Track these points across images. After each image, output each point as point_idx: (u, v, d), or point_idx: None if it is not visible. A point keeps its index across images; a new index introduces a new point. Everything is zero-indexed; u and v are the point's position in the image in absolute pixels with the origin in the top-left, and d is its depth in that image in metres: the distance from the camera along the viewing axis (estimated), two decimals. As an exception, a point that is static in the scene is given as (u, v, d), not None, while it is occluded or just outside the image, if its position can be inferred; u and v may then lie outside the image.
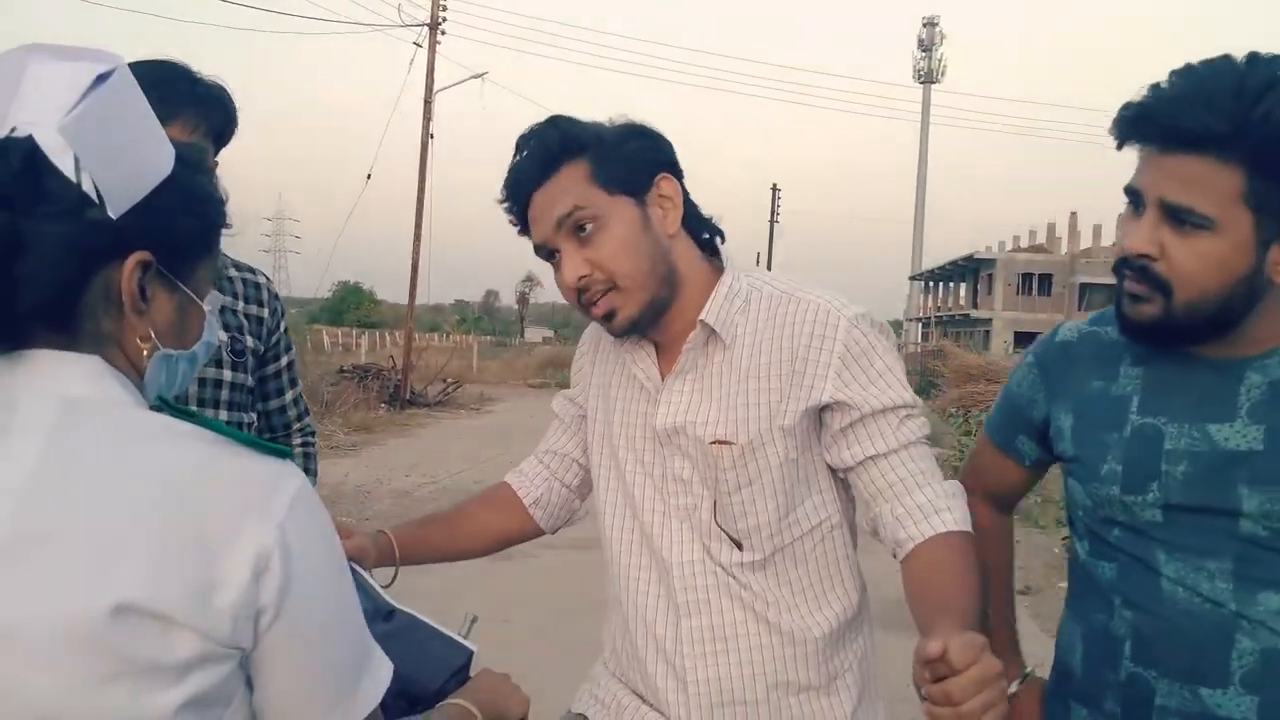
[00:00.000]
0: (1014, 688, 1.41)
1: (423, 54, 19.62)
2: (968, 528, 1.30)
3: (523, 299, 79.47)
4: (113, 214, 0.85)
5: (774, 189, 53.85)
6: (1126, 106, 1.19)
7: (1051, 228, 57.23)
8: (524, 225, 1.42)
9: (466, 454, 11.81)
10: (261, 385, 2.06)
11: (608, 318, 1.37)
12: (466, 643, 1.31)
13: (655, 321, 1.39)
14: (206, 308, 0.96)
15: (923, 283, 65.49)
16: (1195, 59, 1.15)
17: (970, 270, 56.81)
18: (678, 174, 1.40)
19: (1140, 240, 1.18)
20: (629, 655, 1.48)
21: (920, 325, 61.02)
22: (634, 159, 1.37)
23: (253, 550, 0.81)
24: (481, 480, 9.81)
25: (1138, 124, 1.18)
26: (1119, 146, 1.22)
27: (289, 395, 2.11)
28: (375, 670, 0.94)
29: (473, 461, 11.08)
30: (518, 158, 1.39)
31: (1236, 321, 1.19)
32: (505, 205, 1.42)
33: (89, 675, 0.77)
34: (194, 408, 1.85)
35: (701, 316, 1.37)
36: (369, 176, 19.54)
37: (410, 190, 19.83)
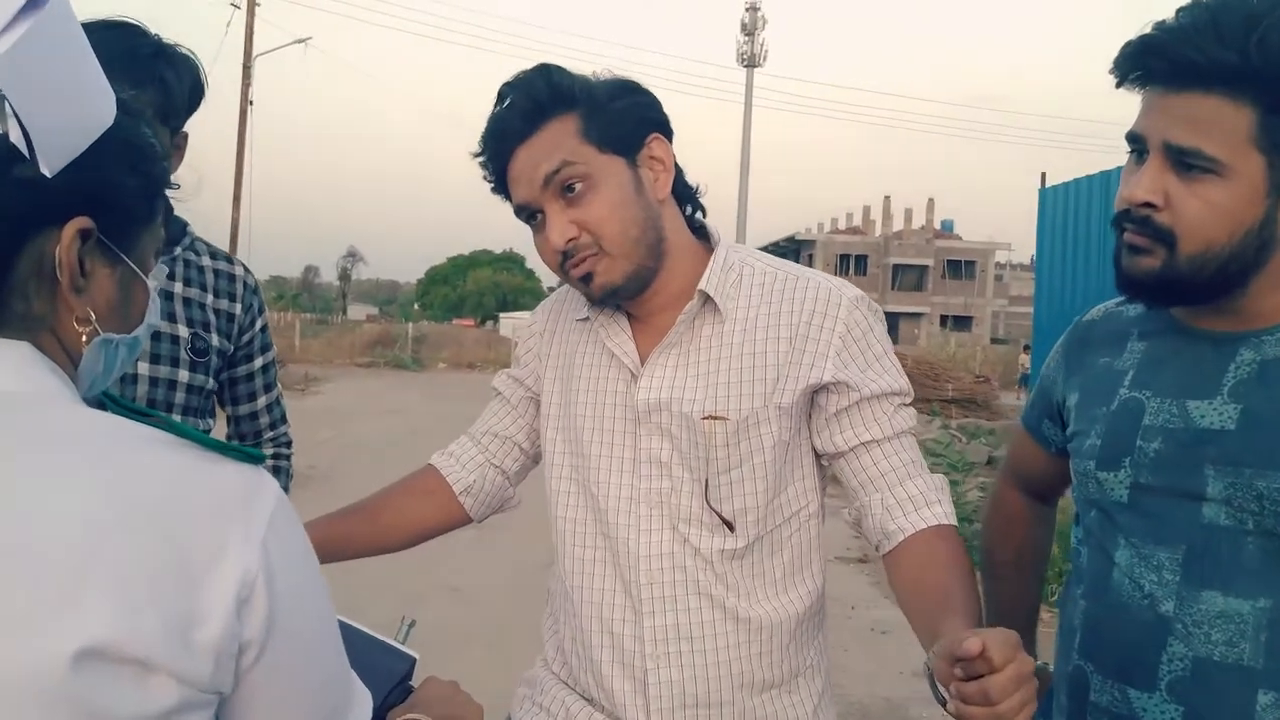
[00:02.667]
0: None
1: (241, 15, 18.62)
2: (955, 523, 1.27)
3: (345, 275, 76.50)
4: (47, 171, 0.70)
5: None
6: (1129, 43, 1.08)
7: (866, 210, 59.78)
8: (500, 183, 1.29)
9: (296, 439, 11.19)
10: (232, 388, 1.87)
11: (586, 279, 1.27)
12: (407, 650, 1.20)
13: (637, 293, 1.30)
14: (151, 284, 0.81)
15: (747, 262, 67.04)
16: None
17: (792, 250, 58.67)
18: (668, 136, 1.31)
19: (1142, 188, 1.09)
20: (579, 656, 1.38)
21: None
22: (627, 116, 1.26)
23: (236, 575, 0.68)
24: (315, 465, 9.35)
25: (1141, 59, 1.08)
26: (1118, 85, 1.11)
27: (262, 401, 1.91)
28: (360, 704, 0.83)
29: (302, 446, 10.46)
30: (499, 108, 1.26)
31: (1242, 281, 1.10)
32: (482, 160, 1.29)
33: None
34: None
35: (701, 285, 1.29)
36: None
37: (227, 158, 18.79)
